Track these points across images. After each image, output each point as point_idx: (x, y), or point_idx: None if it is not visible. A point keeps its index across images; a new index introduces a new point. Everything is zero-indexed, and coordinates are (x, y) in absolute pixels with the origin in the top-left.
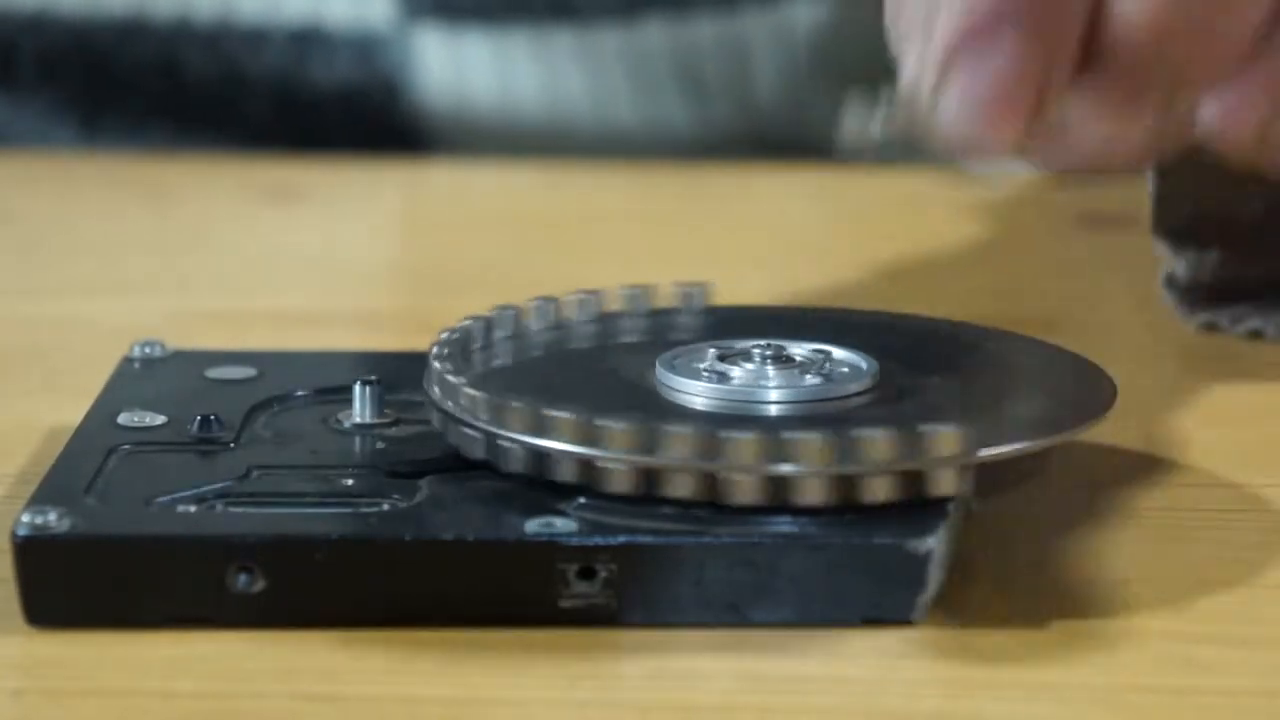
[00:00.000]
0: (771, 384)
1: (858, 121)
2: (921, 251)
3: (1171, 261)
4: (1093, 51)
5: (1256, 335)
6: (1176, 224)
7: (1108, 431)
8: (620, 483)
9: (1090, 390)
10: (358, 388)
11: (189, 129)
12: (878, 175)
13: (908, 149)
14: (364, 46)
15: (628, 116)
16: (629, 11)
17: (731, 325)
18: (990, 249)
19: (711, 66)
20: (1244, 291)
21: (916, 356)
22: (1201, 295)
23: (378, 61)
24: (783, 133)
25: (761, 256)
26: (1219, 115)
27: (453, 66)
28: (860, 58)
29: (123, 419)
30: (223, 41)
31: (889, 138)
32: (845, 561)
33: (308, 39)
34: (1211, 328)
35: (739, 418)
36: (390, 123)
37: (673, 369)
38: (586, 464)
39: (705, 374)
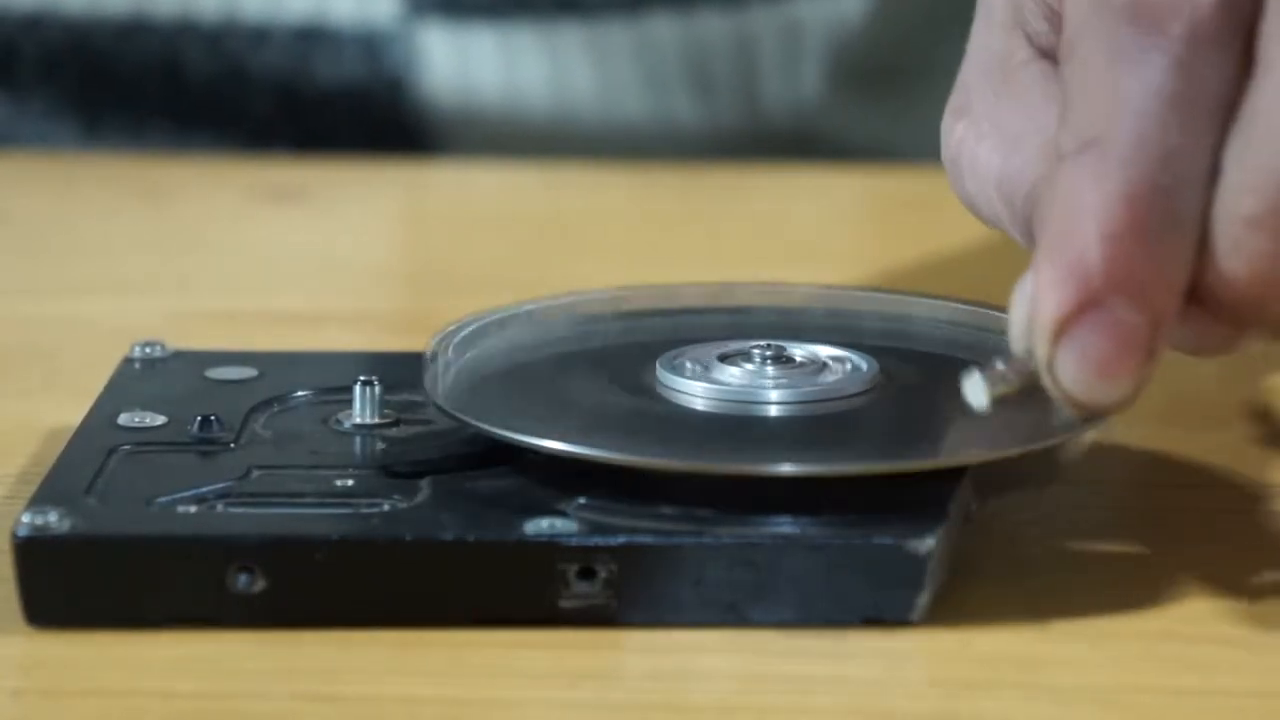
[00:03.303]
0: (771, 384)
1: (976, 390)
2: (926, 252)
3: None
4: (1196, 290)
5: None
6: None
7: (1108, 431)
8: (617, 483)
9: None
10: (358, 388)
11: (191, 128)
12: (881, 176)
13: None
14: (368, 44)
15: (635, 113)
16: (636, 7)
17: (732, 325)
18: (992, 249)
19: (719, 63)
20: None
21: (917, 357)
22: None
23: (382, 59)
24: (790, 131)
25: (764, 257)
26: None
27: (458, 63)
28: (869, 56)
29: (123, 419)
30: (225, 40)
31: (1007, 396)
32: (845, 561)
33: (311, 37)
34: None
35: (738, 418)
36: (396, 121)
37: (673, 369)
38: (582, 464)
39: (705, 374)
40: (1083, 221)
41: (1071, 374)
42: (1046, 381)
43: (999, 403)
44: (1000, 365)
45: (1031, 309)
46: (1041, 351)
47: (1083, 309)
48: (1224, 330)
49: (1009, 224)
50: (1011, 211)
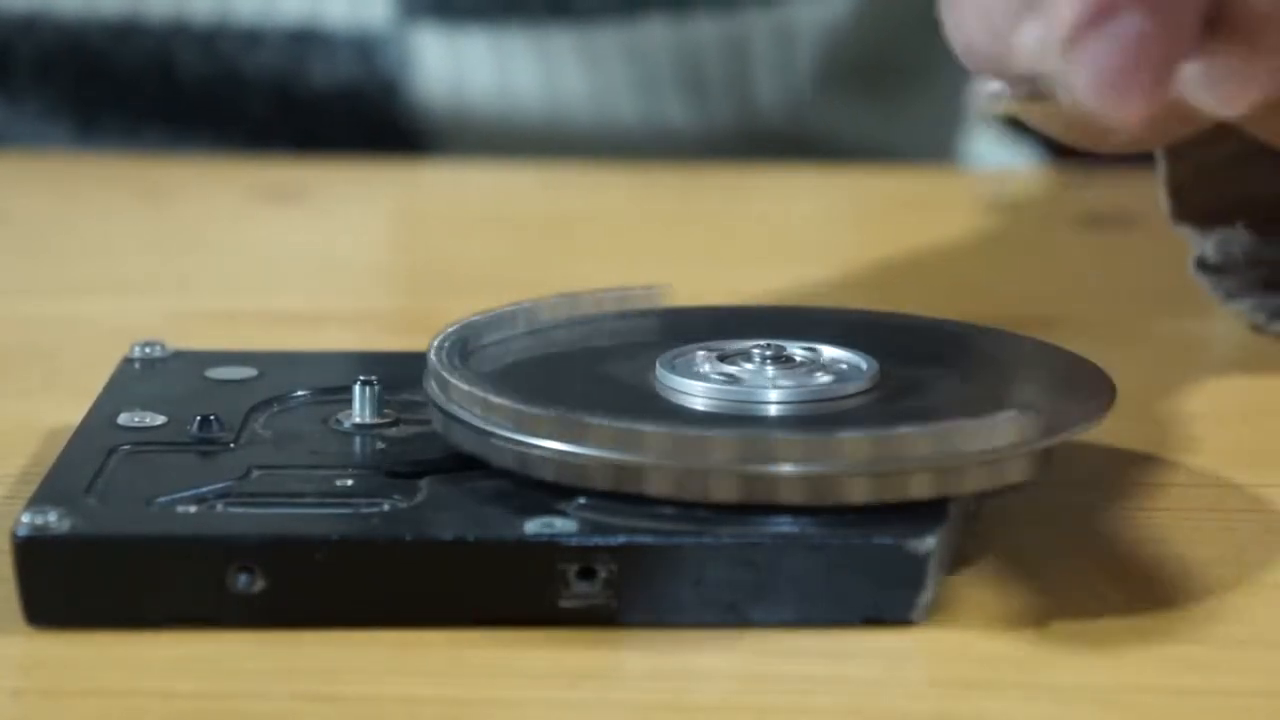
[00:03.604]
0: (771, 384)
1: (987, 102)
2: (922, 251)
3: (1199, 243)
4: (1211, 17)
5: None
6: (1198, 206)
7: (1108, 431)
8: (617, 483)
9: (1090, 390)
10: (357, 388)
11: (185, 130)
12: (876, 176)
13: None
14: (362, 46)
15: (628, 116)
16: (629, 10)
17: (732, 325)
18: (990, 249)
19: (712, 66)
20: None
21: (916, 356)
22: (1237, 276)
23: (376, 61)
24: (783, 133)
25: (761, 256)
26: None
27: (452, 66)
28: (861, 57)
29: (123, 419)
30: (219, 42)
31: (1016, 112)
32: (845, 561)
33: (305, 39)
34: (1256, 329)
35: (738, 418)
36: (389, 122)
37: (673, 369)
38: (583, 464)
39: (705, 374)
40: None
41: (1087, 86)
42: (1059, 94)
43: (1007, 119)
44: (1012, 87)
45: (1045, 20)
46: (1053, 61)
47: (1098, 15)
48: (1244, 63)
49: (994, 44)
50: (995, 27)
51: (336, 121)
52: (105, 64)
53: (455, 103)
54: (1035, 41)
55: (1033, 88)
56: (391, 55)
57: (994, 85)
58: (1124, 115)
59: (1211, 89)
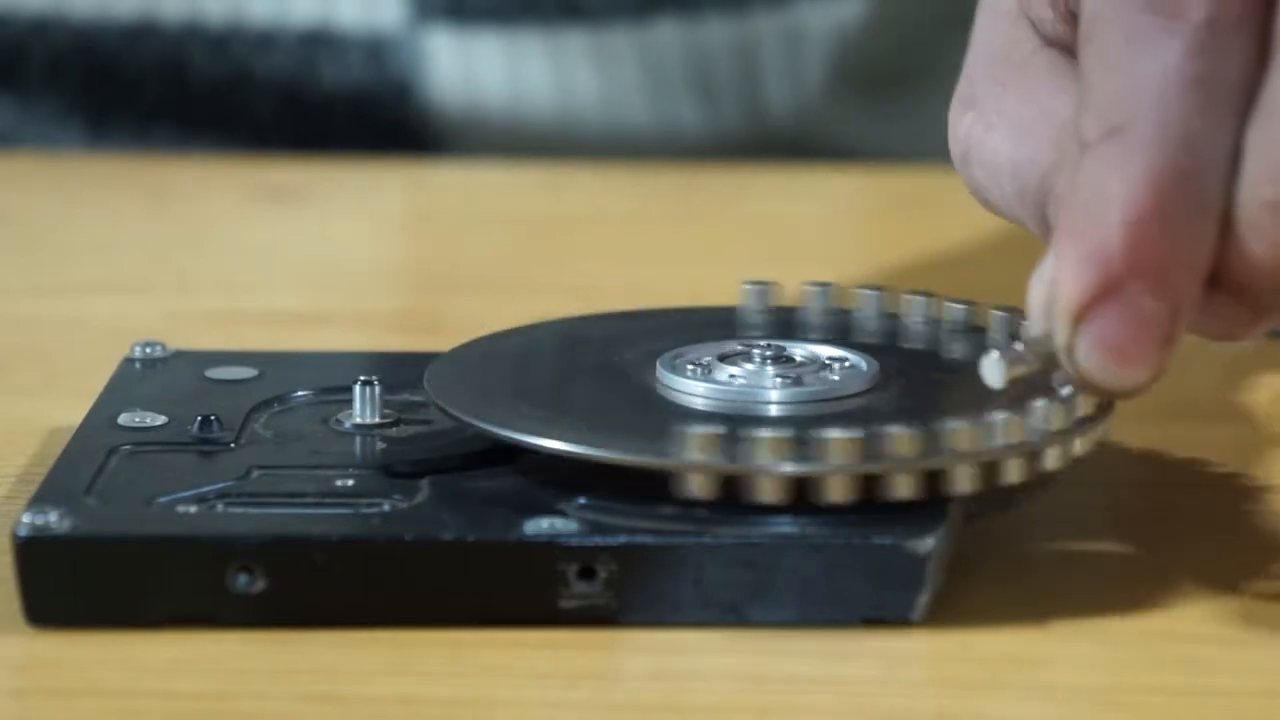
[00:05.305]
0: (771, 384)
1: (994, 370)
2: (923, 252)
3: None
4: (1218, 274)
5: None
6: None
7: (1107, 431)
8: (620, 483)
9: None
10: (358, 388)
11: (197, 132)
12: (881, 176)
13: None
14: (374, 48)
15: (638, 118)
16: (640, 13)
17: (732, 325)
18: (991, 249)
19: (722, 68)
20: None
21: (916, 356)
22: None
23: (388, 63)
24: (792, 135)
25: (766, 256)
26: None
27: (464, 68)
28: (871, 60)
29: (123, 419)
30: (232, 44)
31: (1024, 376)
32: (845, 561)
33: (318, 41)
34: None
35: (738, 417)
36: (401, 124)
37: (673, 369)
38: (585, 465)
39: (705, 374)
40: (1105, 207)
41: (1090, 360)
42: (1065, 364)
43: (1015, 382)
44: (1018, 346)
45: (1051, 294)
46: (1061, 336)
47: (1103, 295)
48: (1246, 314)
49: (1021, 212)
50: (1023, 200)
51: (348, 124)
52: (117, 66)
53: (467, 105)
54: (1041, 305)
55: (1043, 346)
56: (404, 57)
57: (994, 356)
58: (1128, 383)
59: (1213, 329)
